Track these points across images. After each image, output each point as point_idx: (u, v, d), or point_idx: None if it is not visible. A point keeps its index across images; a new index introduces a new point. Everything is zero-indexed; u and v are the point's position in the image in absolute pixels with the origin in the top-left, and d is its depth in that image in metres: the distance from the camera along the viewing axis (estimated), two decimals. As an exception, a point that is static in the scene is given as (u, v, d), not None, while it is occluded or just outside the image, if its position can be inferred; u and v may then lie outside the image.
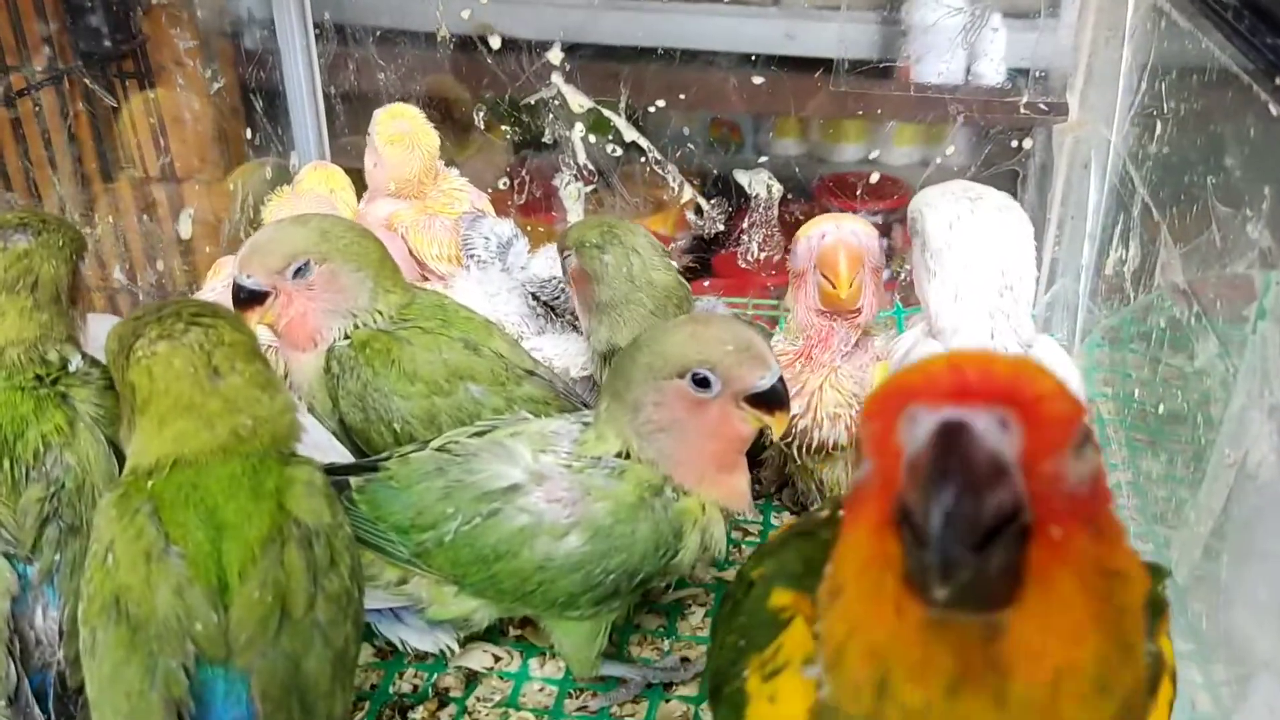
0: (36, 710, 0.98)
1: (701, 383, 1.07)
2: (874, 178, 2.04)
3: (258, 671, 0.87)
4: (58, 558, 1.01)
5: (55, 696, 0.99)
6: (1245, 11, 0.97)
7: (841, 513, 0.79)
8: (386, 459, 1.17)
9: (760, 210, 2.02)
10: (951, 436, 0.56)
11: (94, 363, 1.11)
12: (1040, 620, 0.57)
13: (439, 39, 1.98)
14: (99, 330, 1.13)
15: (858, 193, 2.02)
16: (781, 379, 1.08)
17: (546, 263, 1.59)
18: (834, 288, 1.27)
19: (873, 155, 2.18)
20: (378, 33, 2.02)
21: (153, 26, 1.84)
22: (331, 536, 0.95)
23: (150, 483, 0.93)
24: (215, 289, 1.57)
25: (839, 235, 1.29)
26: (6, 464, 1.02)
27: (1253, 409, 0.98)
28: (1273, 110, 0.88)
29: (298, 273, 1.26)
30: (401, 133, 1.73)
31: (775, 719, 0.75)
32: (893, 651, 0.60)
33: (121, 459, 1.04)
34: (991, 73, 1.98)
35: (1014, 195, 1.68)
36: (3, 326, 1.07)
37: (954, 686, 0.58)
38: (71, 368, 1.09)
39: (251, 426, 0.97)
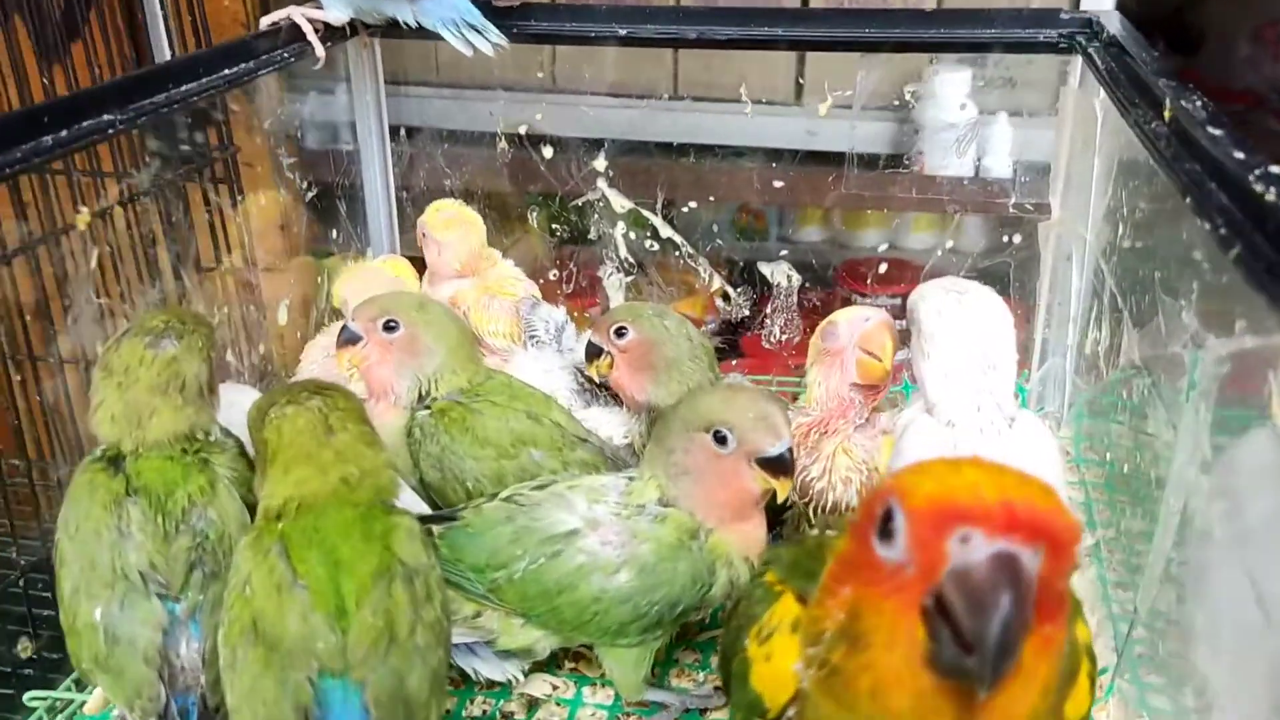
0: (181, 728, 1.07)
1: (720, 439, 1.18)
2: (883, 268, 2.10)
3: (370, 684, 0.98)
4: (201, 598, 1.10)
5: (198, 715, 1.09)
6: (1172, 138, 1.10)
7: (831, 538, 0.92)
8: (462, 509, 1.28)
9: (781, 298, 2.10)
10: (1004, 566, 0.67)
11: (226, 432, 1.22)
12: (1016, 685, 0.69)
13: (499, 148, 2.08)
14: (229, 397, 1.27)
15: (868, 281, 2.09)
16: (791, 451, 1.17)
17: (593, 345, 1.67)
18: (880, 361, 1.39)
19: (885, 245, 2.27)
20: (445, 134, 2.11)
21: (245, 138, 1.91)
22: (428, 575, 1.06)
23: (280, 525, 1.05)
24: (313, 364, 1.70)
25: (881, 318, 1.42)
26: (159, 519, 1.12)
27: (1188, 465, 1.07)
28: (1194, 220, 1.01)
29: (387, 326, 1.40)
30: (451, 217, 1.80)
31: (772, 674, 0.86)
32: (904, 705, 0.72)
33: (253, 513, 1.13)
34: (999, 167, 2.05)
35: (1009, 282, 1.83)
36: (159, 422, 1.16)
37: None
38: (211, 437, 1.20)
39: (358, 476, 1.09)
